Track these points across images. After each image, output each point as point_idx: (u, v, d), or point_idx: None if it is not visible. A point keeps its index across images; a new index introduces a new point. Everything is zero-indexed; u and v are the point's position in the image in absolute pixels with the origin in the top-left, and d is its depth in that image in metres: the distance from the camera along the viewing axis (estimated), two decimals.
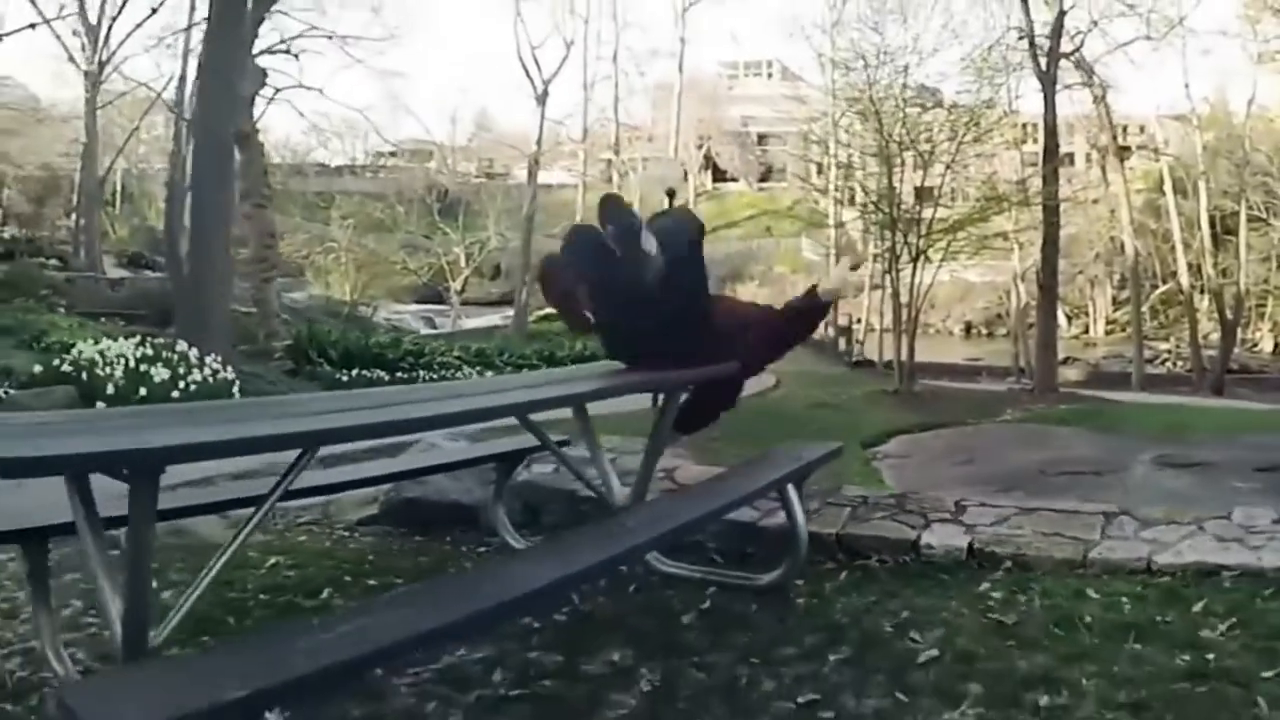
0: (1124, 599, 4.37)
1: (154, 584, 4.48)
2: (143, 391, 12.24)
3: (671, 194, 27.20)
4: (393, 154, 65.82)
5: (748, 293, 62.95)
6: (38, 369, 13.06)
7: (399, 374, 21.04)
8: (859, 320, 49.81)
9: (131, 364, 12.78)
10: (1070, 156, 54.82)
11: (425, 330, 39.46)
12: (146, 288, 37.48)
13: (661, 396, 5.10)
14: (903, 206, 29.86)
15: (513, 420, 4.84)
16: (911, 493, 6.49)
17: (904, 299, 29.94)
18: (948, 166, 31.02)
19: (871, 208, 32.99)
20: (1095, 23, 34.47)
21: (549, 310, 50.41)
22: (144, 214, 56.14)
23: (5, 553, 5.13)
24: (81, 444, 3.11)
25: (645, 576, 4.95)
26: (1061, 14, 30.63)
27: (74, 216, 47.23)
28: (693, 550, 5.20)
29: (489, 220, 54.14)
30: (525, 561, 4.27)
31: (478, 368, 24.61)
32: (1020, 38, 30.89)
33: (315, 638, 2.84)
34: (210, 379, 13.25)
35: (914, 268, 29.09)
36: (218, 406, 7.24)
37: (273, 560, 5.12)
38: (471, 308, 52.66)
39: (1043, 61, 30.24)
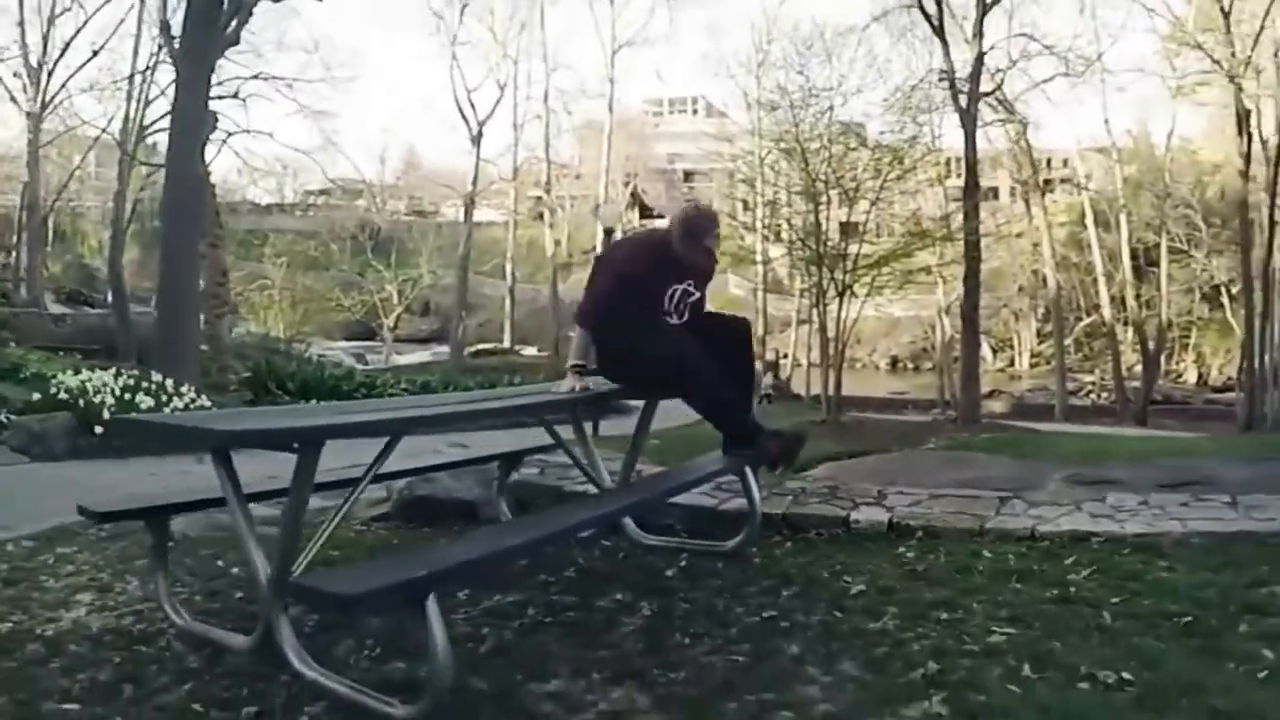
0: (1010, 556, 5.53)
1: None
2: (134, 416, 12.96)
3: (609, 232, 28.48)
4: (323, 192, 66.61)
5: None
6: (36, 396, 13.68)
7: None
8: (785, 355, 50.52)
9: (117, 393, 13.68)
10: (995, 191, 56.04)
11: (359, 366, 40.20)
12: (88, 323, 38.31)
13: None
14: (828, 243, 30.96)
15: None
16: (842, 483, 7.76)
17: (830, 333, 31.12)
18: (873, 203, 32.10)
19: (798, 244, 34.13)
20: (1014, 62, 35.42)
21: (483, 345, 51.84)
22: (76, 250, 56.56)
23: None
24: (281, 423, 4.27)
25: (631, 548, 6.02)
26: (981, 55, 31.42)
27: (14, 254, 47.64)
28: (666, 530, 6.26)
29: (420, 258, 55.16)
30: (555, 515, 5.48)
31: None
32: (941, 79, 31.75)
33: (455, 548, 3.96)
34: (189, 406, 13.99)
35: (840, 303, 30.20)
36: (325, 407, 8.05)
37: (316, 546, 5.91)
38: (402, 344, 53.65)
39: (963, 101, 30.99)
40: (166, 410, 13.30)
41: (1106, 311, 47.64)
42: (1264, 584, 4.87)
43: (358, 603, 3.34)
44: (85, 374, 15.40)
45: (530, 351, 43.69)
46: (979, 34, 31.15)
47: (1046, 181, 55.43)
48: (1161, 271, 47.77)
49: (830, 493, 7.25)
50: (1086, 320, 53.42)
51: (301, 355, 36.64)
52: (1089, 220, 49.67)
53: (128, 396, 13.62)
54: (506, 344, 52.56)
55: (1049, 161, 57.38)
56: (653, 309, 6.01)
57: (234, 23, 22.63)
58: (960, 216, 32.08)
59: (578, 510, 5.58)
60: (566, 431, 6.24)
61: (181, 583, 5.21)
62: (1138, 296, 47.86)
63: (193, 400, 14.56)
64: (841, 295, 30.24)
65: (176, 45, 29.33)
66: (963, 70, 31.23)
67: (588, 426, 6.51)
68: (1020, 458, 13.81)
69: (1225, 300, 48.25)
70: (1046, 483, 8.86)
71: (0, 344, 25.23)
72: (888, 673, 3.90)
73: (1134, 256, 49.44)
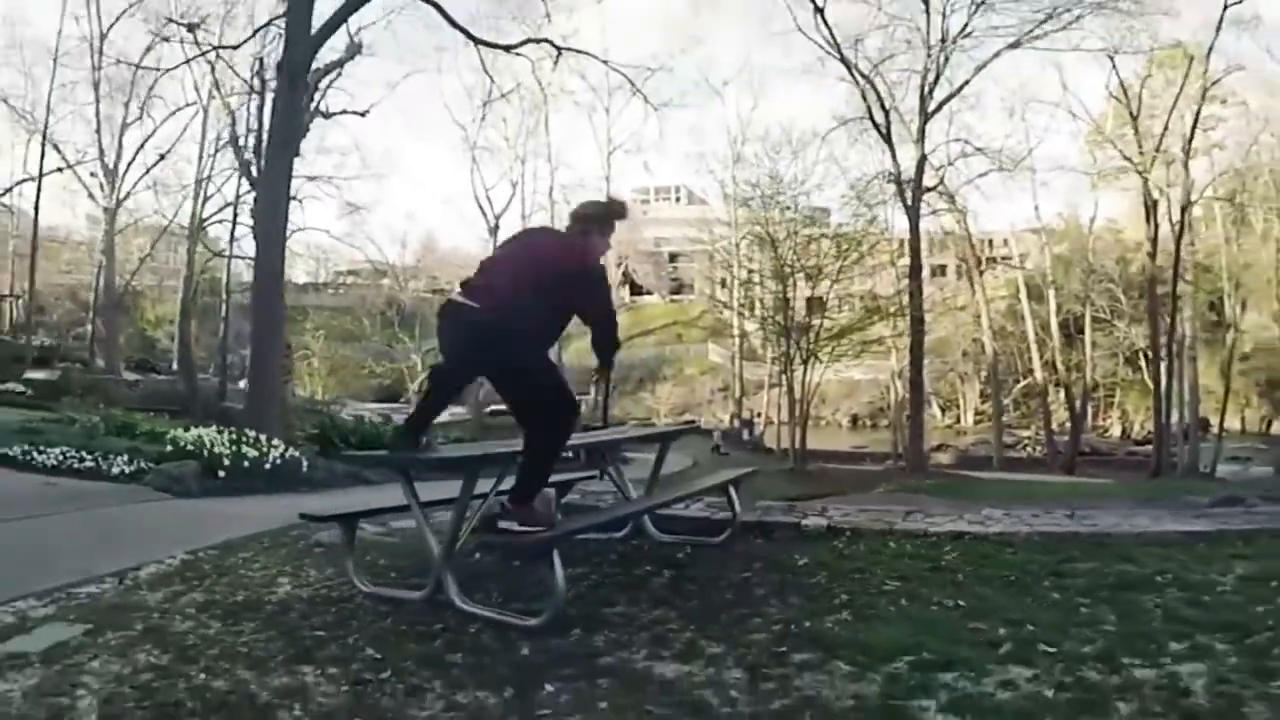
0: (907, 545, 7.33)
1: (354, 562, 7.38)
2: (245, 464, 14.28)
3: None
4: (353, 273, 68.27)
5: (664, 391, 65.35)
6: (169, 449, 15.14)
7: None
8: (759, 414, 51.77)
9: (227, 446, 15.26)
10: (943, 268, 57.64)
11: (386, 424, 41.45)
12: (156, 387, 38.88)
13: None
14: (794, 318, 32.62)
15: None
16: (796, 501, 9.65)
17: (797, 395, 32.74)
18: (834, 282, 33.85)
19: (769, 319, 35.77)
20: (951, 162, 36.06)
21: (496, 406, 52.99)
22: (138, 324, 57.93)
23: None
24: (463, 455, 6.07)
25: (652, 543, 7.73)
26: (923, 157, 32.72)
27: (91, 327, 49.20)
28: (674, 532, 7.89)
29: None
30: (606, 510, 7.60)
31: None
32: (888, 179, 33.31)
33: (559, 528, 5.74)
34: (283, 457, 15.46)
35: (804, 369, 31.90)
36: (455, 448, 9.55)
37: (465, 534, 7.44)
38: None
39: (908, 196, 32.38)
40: (268, 462, 15.00)
41: (1039, 374, 48.94)
42: (1071, 561, 6.58)
43: (525, 550, 5.24)
44: (197, 430, 16.89)
45: None
46: (921, 139, 32.61)
47: (990, 260, 56.97)
48: (1086, 339, 49.30)
49: (789, 508, 9.12)
50: (1023, 382, 54.38)
51: (338, 415, 37.84)
52: (1023, 295, 51.07)
53: (236, 449, 14.89)
54: None
55: (990, 242, 58.29)
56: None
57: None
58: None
59: (618, 508, 7.60)
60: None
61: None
62: (1066, 362, 48.95)
63: (284, 451, 15.53)
64: (806, 362, 32.02)
65: (248, 159, 31.40)
66: (909, 169, 32.82)
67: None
68: (954, 497, 15.52)
69: (1143, 364, 49.37)
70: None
71: (90, 406, 26.50)
72: (818, 602, 5.61)
73: (1064, 326, 50.86)
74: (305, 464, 15.69)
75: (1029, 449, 50.36)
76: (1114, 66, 38.04)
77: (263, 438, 16.15)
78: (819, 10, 33.19)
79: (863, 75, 33.94)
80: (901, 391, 47.57)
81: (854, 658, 4.42)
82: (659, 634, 5.04)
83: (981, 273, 48.53)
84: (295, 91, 21.55)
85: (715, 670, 4.37)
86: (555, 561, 5.13)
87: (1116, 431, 58.07)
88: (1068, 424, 47.21)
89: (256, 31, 30.39)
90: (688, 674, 4.33)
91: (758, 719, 3.77)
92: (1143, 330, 46.41)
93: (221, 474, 13.90)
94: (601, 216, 6.45)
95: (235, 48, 32.92)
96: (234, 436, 15.89)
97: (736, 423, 53.33)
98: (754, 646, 4.70)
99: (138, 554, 7.53)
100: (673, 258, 79.38)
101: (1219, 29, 34.29)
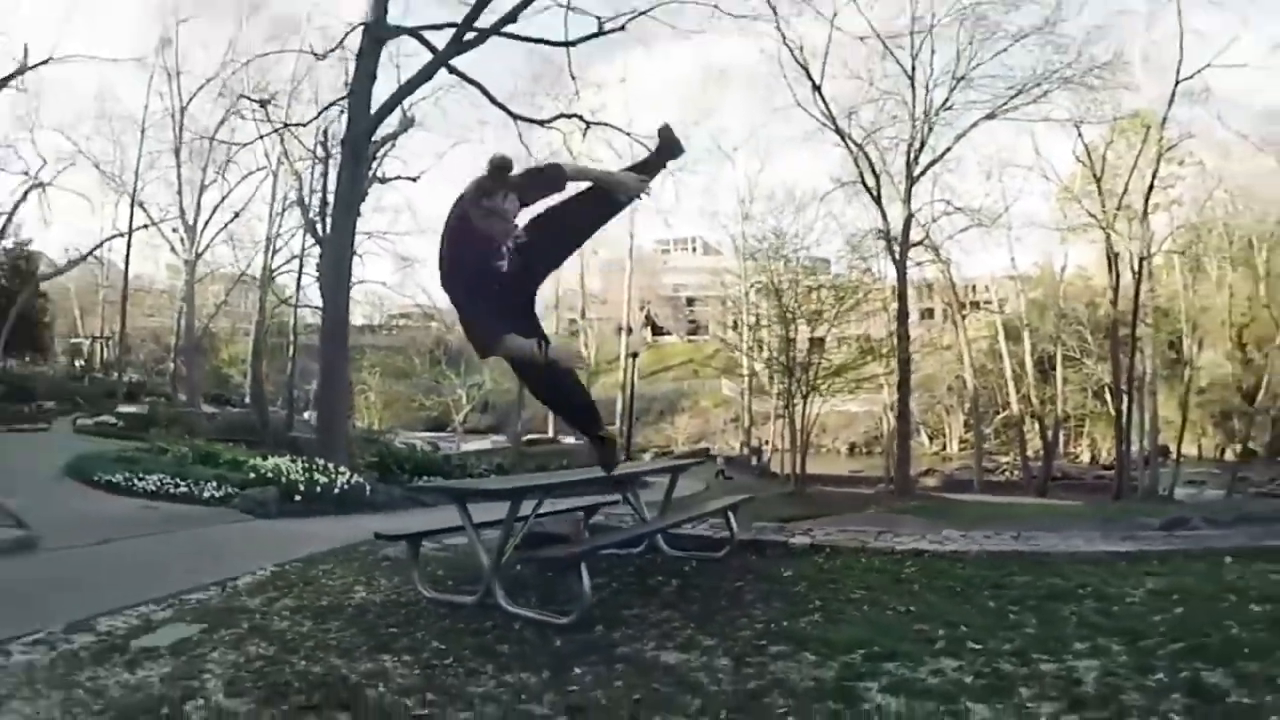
0: (876, 561, 7.76)
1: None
2: (318, 490, 14.74)
3: (635, 355, 30.67)
4: (404, 316, 69.07)
5: (681, 422, 65.81)
6: (251, 476, 15.47)
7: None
8: (766, 442, 52.16)
9: (301, 473, 15.85)
10: (931, 311, 58.08)
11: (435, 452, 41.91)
12: (231, 419, 39.47)
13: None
14: (797, 358, 33.10)
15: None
16: (789, 522, 10.23)
17: (798, 426, 33.20)
18: (832, 325, 34.41)
19: (774, 359, 36.30)
20: (935, 220, 36.69)
21: (533, 435, 53.72)
22: (214, 363, 58.77)
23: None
24: (499, 486, 6.67)
25: (664, 557, 8.22)
26: (910, 216, 33.15)
27: (173, 365, 50.22)
28: (682, 548, 8.39)
29: (482, 369, 57.41)
30: (625, 529, 8.14)
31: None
32: (878, 236, 33.80)
33: (584, 544, 6.34)
34: (350, 483, 15.85)
35: (804, 403, 32.37)
36: (499, 479, 9.78)
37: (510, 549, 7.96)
38: (468, 435, 55.43)
39: (896, 250, 32.76)
40: (337, 487, 15.53)
41: (1015, 407, 49.14)
42: (1010, 575, 7.01)
43: (560, 562, 5.88)
44: (274, 460, 17.44)
45: (569, 440, 45.15)
46: (908, 200, 33.05)
47: (972, 304, 57.48)
48: (1058, 375, 49.47)
49: (779, 529, 9.63)
50: (1002, 414, 54.52)
51: (391, 444, 38.28)
52: (1001, 336, 51.58)
53: (309, 476, 15.35)
54: (550, 434, 54.05)
55: (973, 288, 58.60)
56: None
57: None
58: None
59: (636, 529, 8.15)
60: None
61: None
62: (1040, 395, 49.34)
63: (350, 478, 16.11)
64: (806, 397, 32.48)
65: (313, 218, 32.15)
66: (897, 226, 33.23)
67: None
68: (934, 517, 16.02)
69: (1109, 398, 49.58)
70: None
71: (174, 436, 27.04)
72: (796, 606, 6.09)
73: (1039, 363, 51.18)
74: (368, 489, 16.24)
75: (1007, 474, 50.24)
76: (1079, 134, 38.63)
77: (331, 466, 16.75)
78: (816, 88, 33.68)
79: (855, 144, 34.34)
80: (892, 422, 47.95)
81: (819, 650, 4.96)
82: (665, 630, 5.60)
83: (964, 316, 49.02)
84: (357, 162, 22.26)
85: (708, 658, 4.92)
86: (583, 573, 5.74)
87: (1086, 458, 58.09)
88: (1042, 451, 47.17)
89: (322, 111, 31.08)
90: (686, 661, 4.89)
91: (737, 695, 4.30)
92: (1108, 367, 45.26)
93: (297, 498, 14.48)
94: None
95: (304, 125, 33.76)
96: (306, 465, 16.48)
97: (746, 450, 53.85)
98: (740, 640, 5.26)
99: (234, 567, 8.08)
100: (690, 302, 79.89)
101: (1171, 101, 34.82)
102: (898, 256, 33.03)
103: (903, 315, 33.37)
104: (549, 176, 5.66)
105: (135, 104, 53.62)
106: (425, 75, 22.48)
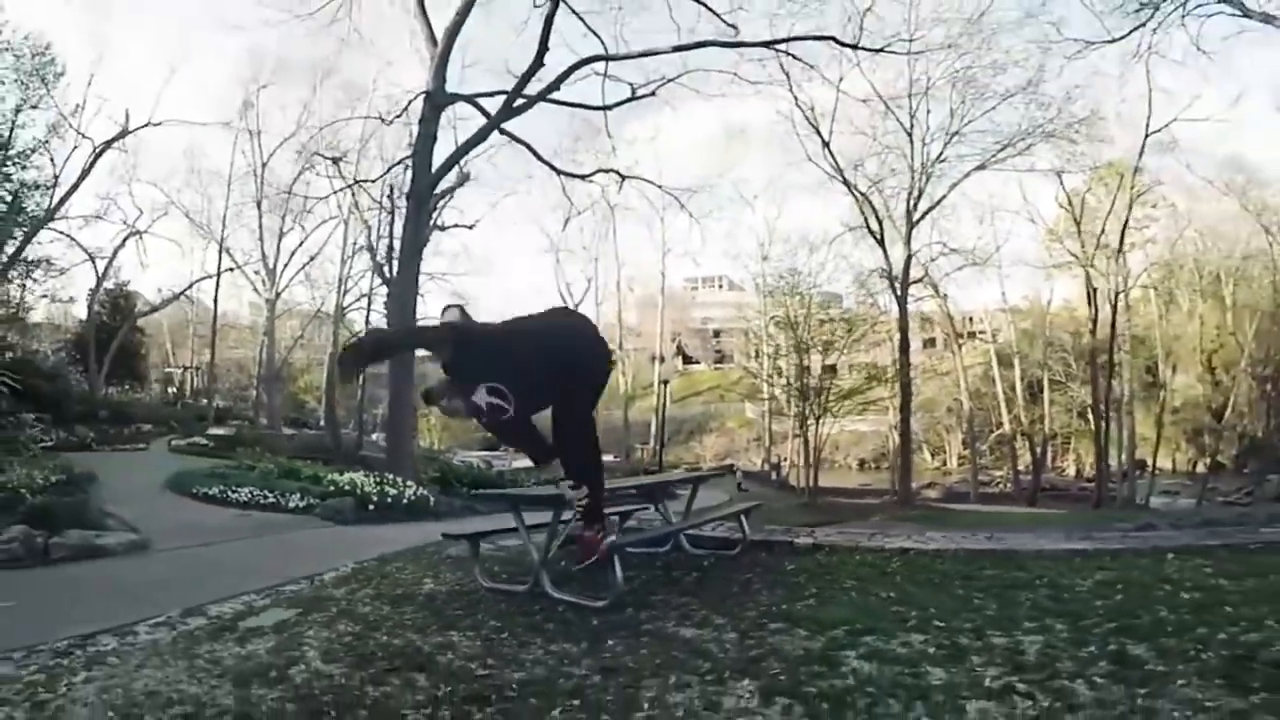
0: (867, 557, 8.03)
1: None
2: (388, 500, 15.15)
3: (666, 382, 31.03)
4: None
5: (709, 442, 66.19)
6: (330, 488, 15.90)
7: None
8: (784, 458, 52.49)
9: (373, 486, 16.37)
10: (933, 340, 58.38)
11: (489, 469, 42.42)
12: (307, 439, 39.82)
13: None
14: (810, 383, 33.55)
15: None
16: (799, 526, 10.61)
17: (811, 444, 33.61)
18: (841, 354, 34.86)
19: (790, 385, 36.74)
20: (933, 259, 37.28)
21: None
22: (291, 390, 59.57)
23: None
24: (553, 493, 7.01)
25: (686, 554, 8.59)
26: (909, 256, 33.68)
27: (255, 392, 51.27)
28: (702, 546, 8.80)
29: None
30: (652, 530, 8.57)
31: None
32: (881, 275, 34.21)
33: (616, 541, 6.77)
34: (417, 495, 16.12)
35: (816, 423, 32.79)
36: (546, 488, 10.05)
37: (553, 548, 8.59)
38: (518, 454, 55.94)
39: (897, 287, 33.31)
40: (405, 499, 15.92)
41: (1007, 426, 49.88)
42: (981, 569, 7.30)
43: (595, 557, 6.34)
44: (349, 474, 17.91)
45: (608, 458, 45.21)
46: (908, 243, 33.67)
47: (969, 334, 57.89)
48: (1045, 397, 50.38)
49: (786, 531, 10.01)
50: (996, 432, 54.69)
51: (449, 461, 38.65)
52: (994, 362, 52.37)
53: (380, 488, 15.89)
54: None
55: (970, 319, 59.11)
56: None
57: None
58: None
59: (663, 529, 8.58)
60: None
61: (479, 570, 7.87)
62: (1030, 415, 50.43)
63: (416, 491, 16.61)
64: (818, 418, 32.91)
65: (380, 262, 32.80)
66: (900, 265, 33.82)
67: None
68: (929, 523, 16.29)
69: (1090, 417, 50.00)
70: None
71: (258, 455, 27.52)
72: (795, 593, 6.43)
73: (1029, 386, 52.02)
74: (432, 500, 16.70)
75: (1001, 486, 50.52)
76: (1061, 183, 39.72)
77: (399, 480, 17.24)
78: (825, 144, 34.38)
79: (861, 193, 35.01)
80: (896, 440, 48.47)
81: (810, 626, 5.34)
82: (684, 611, 5.99)
83: (959, 345, 49.80)
84: (420, 213, 22.85)
85: (718, 633, 5.33)
86: (616, 564, 6.17)
87: (1072, 471, 58.04)
88: (1031, 466, 47.82)
89: (389, 169, 31.87)
90: (700, 635, 5.30)
91: (740, 661, 4.70)
92: (1091, 390, 46.48)
93: (371, 507, 14.97)
94: None
95: (372, 181, 34.83)
96: (378, 479, 16.97)
97: (766, 466, 54.12)
98: (746, 620, 5.64)
99: (319, 564, 8.57)
100: (716, 334, 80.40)
101: (1142, 152, 35.32)
102: (899, 292, 33.51)
103: (904, 345, 33.90)
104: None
105: (221, 160, 55.18)
106: (480, 137, 23.11)
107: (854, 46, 27.50)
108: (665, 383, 42.96)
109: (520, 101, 23.01)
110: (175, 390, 60.77)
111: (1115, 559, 7.94)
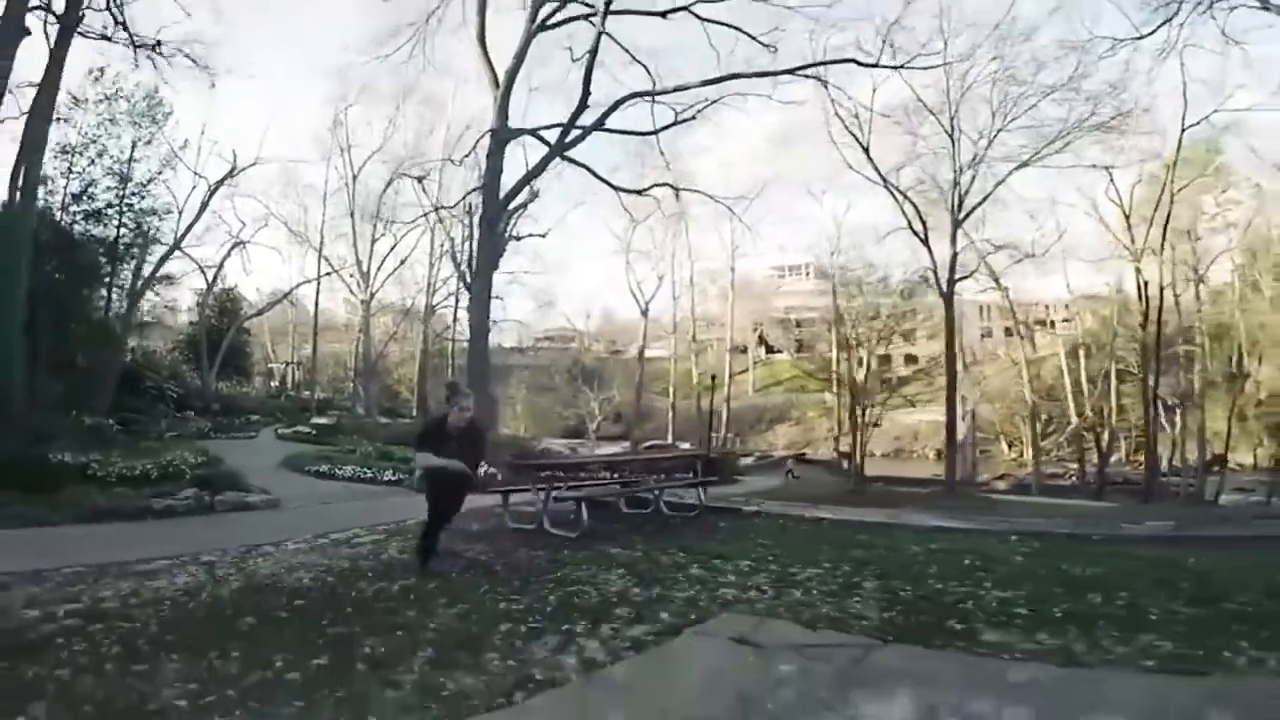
0: (788, 523, 11.41)
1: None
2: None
3: (714, 377, 34.60)
4: (548, 338, 74.13)
5: (786, 429, 68.89)
6: (418, 472, 20.23)
7: None
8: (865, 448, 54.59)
9: None
10: (1009, 330, 58.74)
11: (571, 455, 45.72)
12: (401, 428, 43.57)
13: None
14: (857, 377, 36.43)
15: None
16: (754, 500, 14.11)
17: (856, 432, 36.44)
18: (889, 345, 37.25)
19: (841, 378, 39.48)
20: (987, 254, 39.53)
21: (655, 441, 57.44)
22: (385, 382, 63.98)
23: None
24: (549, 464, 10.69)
25: (662, 515, 11.93)
26: (955, 255, 35.61)
27: (352, 385, 56.83)
28: (675, 510, 12.13)
29: (613, 384, 61.79)
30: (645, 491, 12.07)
31: None
32: (920, 278, 36.97)
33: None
34: (486, 471, 20.44)
35: (862, 415, 35.72)
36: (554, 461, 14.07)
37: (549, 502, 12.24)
38: (602, 440, 59.07)
39: (943, 284, 35.53)
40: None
41: (1074, 419, 51.12)
42: (856, 534, 10.65)
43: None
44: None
45: (685, 446, 47.89)
46: (953, 241, 35.66)
47: (1039, 323, 59.46)
48: (1113, 389, 50.19)
49: (746, 501, 13.43)
50: (1071, 425, 55.40)
51: (535, 449, 41.87)
52: (1061, 354, 54.06)
53: None
54: (669, 440, 57.80)
55: (1048, 307, 61.27)
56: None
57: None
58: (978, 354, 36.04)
59: (641, 495, 12.15)
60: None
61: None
62: (1105, 408, 50.11)
63: (487, 469, 20.64)
64: (864, 409, 35.79)
65: (464, 267, 36.69)
66: (945, 263, 36.01)
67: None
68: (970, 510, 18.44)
69: (1160, 410, 50.24)
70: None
71: (356, 442, 31.22)
72: (708, 537, 9.85)
73: (1105, 377, 51.43)
74: (498, 476, 20.51)
75: (1073, 478, 50.44)
76: (1111, 178, 40.46)
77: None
78: (865, 150, 36.39)
79: (903, 194, 36.90)
80: (965, 431, 50.60)
81: (693, 553, 8.77)
82: (623, 543, 9.51)
83: (1023, 336, 51.38)
84: (492, 234, 26.52)
85: (641, 555, 8.74)
86: (583, 512, 9.90)
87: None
88: (1104, 458, 48.20)
89: (465, 196, 35.99)
90: (622, 553, 8.82)
91: (645, 568, 8.04)
92: (1166, 380, 45.44)
93: None
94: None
95: (451, 209, 39.95)
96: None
97: (837, 454, 56.73)
98: (658, 548, 9.04)
99: (403, 515, 12.02)
100: (799, 323, 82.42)
101: (1179, 146, 36.43)
102: (944, 290, 35.63)
103: (950, 341, 36.18)
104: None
105: (316, 174, 60.33)
106: (541, 166, 26.90)
107: (874, 65, 30.19)
108: (714, 378, 48.03)
109: (574, 134, 26.38)
110: (278, 384, 66.79)
111: (966, 536, 10.94)
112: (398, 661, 4.90)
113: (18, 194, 19.48)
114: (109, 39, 23.78)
